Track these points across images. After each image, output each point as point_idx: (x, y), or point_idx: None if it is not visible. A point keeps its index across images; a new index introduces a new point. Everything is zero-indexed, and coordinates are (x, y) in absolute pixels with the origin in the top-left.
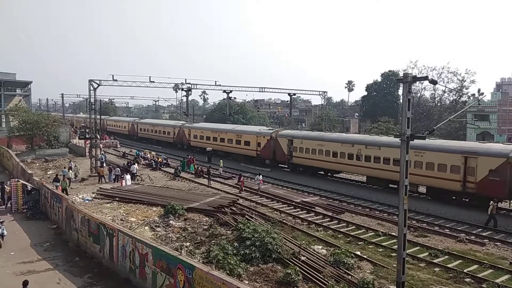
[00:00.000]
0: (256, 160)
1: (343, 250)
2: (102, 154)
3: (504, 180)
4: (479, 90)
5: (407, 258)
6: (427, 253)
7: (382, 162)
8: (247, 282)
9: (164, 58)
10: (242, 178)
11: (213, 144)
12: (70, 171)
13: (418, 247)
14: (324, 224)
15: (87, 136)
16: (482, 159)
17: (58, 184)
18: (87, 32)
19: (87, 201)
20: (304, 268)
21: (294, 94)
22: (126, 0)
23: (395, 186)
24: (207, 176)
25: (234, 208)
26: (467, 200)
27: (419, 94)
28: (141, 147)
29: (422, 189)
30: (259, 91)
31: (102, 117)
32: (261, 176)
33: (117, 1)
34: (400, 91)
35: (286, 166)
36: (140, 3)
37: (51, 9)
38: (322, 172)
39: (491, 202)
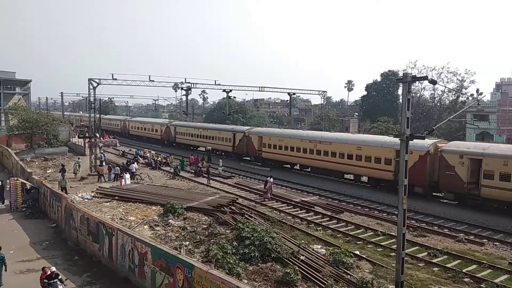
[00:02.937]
0: (160, 141)
1: (342, 249)
2: (102, 153)
3: (243, 144)
4: (477, 90)
5: (406, 258)
6: (426, 253)
7: (215, 140)
8: (246, 281)
9: (164, 57)
10: (268, 185)
11: (141, 132)
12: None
13: (417, 247)
14: (323, 223)
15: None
16: (237, 134)
17: (65, 174)
18: (87, 31)
19: (86, 200)
20: (303, 268)
21: (294, 94)
22: (125, 1)
23: (222, 154)
24: (206, 175)
25: (233, 208)
26: (234, 157)
27: (418, 94)
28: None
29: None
30: (259, 91)
31: (77, 114)
32: (272, 178)
33: (117, 1)
34: (400, 91)
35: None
36: (140, 2)
37: (50, 8)
38: (193, 147)
39: None
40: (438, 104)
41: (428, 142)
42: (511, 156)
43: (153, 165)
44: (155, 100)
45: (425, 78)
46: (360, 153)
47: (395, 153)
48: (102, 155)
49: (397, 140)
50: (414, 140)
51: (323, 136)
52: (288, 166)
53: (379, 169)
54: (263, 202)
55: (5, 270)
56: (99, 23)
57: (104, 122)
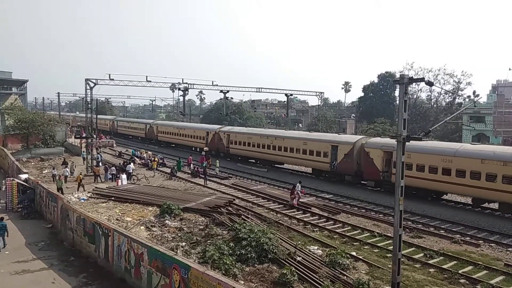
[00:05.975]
0: (109, 132)
1: (338, 250)
2: (98, 153)
3: (150, 132)
4: (474, 92)
5: (402, 259)
6: (422, 254)
7: (136, 130)
8: (242, 282)
9: (161, 58)
10: (296, 191)
11: (101, 126)
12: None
13: (413, 248)
14: (320, 224)
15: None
16: (147, 125)
17: (68, 168)
18: (85, 33)
19: (82, 201)
20: (300, 269)
21: (291, 95)
22: (124, 1)
23: (139, 138)
24: (203, 176)
25: (230, 208)
26: (147, 141)
27: (415, 96)
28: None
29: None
30: (256, 91)
31: (73, 115)
32: (300, 185)
33: (116, 1)
34: (397, 93)
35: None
36: (137, 4)
37: (49, 9)
38: (130, 136)
39: None
40: (435, 105)
41: (217, 126)
42: (240, 132)
43: (150, 165)
44: (152, 101)
45: (422, 79)
46: (194, 134)
47: (206, 133)
48: (99, 155)
49: (206, 126)
50: (219, 125)
51: (184, 125)
52: (174, 145)
53: (200, 143)
54: (285, 211)
55: (7, 236)
56: (97, 24)
57: (77, 118)
